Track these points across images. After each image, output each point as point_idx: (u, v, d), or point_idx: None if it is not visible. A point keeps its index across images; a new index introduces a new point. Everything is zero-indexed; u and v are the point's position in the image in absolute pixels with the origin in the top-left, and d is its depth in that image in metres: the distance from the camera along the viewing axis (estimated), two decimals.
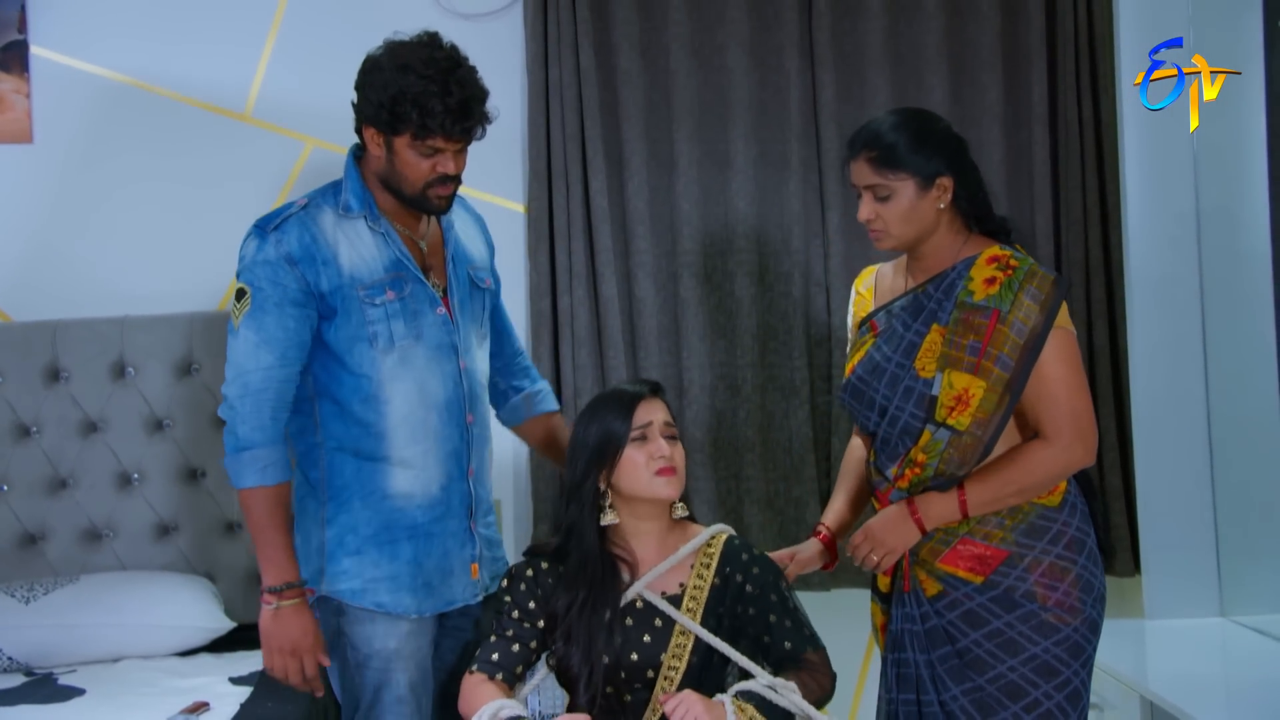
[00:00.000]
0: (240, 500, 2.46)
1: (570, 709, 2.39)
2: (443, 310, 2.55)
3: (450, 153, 2.47)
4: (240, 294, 2.47)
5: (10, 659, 3.15)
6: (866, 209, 2.42)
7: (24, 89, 3.57)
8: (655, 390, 2.49)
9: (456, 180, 2.52)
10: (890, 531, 2.40)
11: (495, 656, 2.41)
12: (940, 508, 2.36)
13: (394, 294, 2.49)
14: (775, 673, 2.36)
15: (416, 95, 2.39)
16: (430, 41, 2.47)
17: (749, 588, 2.42)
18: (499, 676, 2.39)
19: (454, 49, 2.48)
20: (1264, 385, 3.21)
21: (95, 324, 3.48)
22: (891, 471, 2.43)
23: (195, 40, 3.61)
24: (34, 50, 3.57)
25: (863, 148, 2.40)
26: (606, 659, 2.37)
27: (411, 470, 2.52)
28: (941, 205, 2.40)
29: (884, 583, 2.51)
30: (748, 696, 2.27)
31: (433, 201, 2.51)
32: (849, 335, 2.63)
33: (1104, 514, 2.51)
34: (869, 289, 2.59)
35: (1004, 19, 3.74)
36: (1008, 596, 2.35)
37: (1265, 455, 3.20)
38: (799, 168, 3.70)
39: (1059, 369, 2.34)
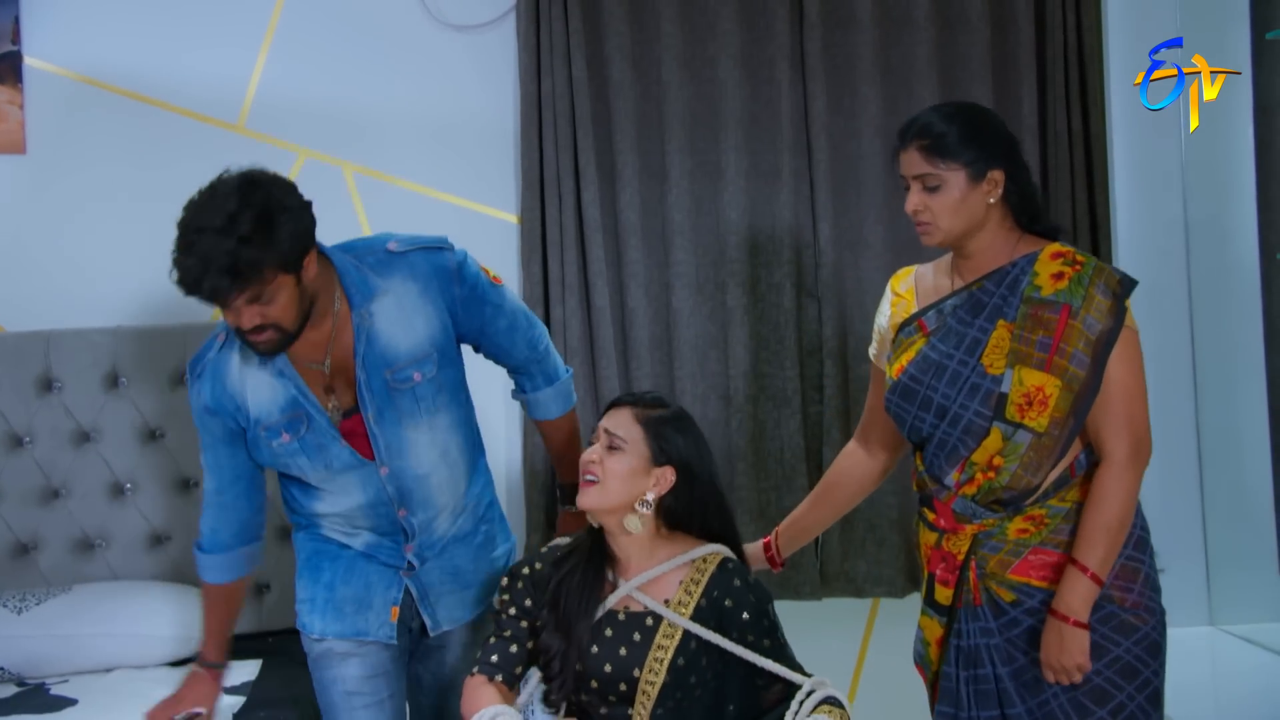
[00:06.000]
0: None
1: (546, 699, 2.43)
2: (344, 444, 2.54)
3: (231, 308, 2.33)
4: None
5: (2, 669, 3.14)
6: (915, 200, 2.38)
7: (17, 100, 3.58)
8: (630, 401, 2.49)
9: (272, 328, 2.35)
10: (1063, 653, 2.31)
11: (494, 658, 2.45)
12: (1080, 594, 2.30)
13: (289, 436, 2.54)
14: (764, 693, 2.37)
15: (174, 248, 2.32)
16: (201, 198, 2.34)
17: (744, 615, 2.39)
18: (498, 678, 2.43)
19: (226, 201, 2.30)
20: (1252, 395, 3.23)
21: (88, 334, 3.47)
22: (952, 478, 2.38)
23: (189, 52, 3.61)
24: (28, 61, 3.57)
25: (914, 137, 2.38)
26: (579, 666, 2.38)
27: (342, 531, 2.67)
28: (992, 200, 2.36)
29: (944, 595, 2.45)
30: (833, 702, 2.29)
31: (252, 347, 2.42)
32: (879, 336, 2.59)
33: None
34: (909, 289, 2.53)
35: (994, 31, 3.75)
36: None
37: (1253, 465, 3.22)
38: (790, 179, 3.71)
39: (1122, 371, 2.30)
